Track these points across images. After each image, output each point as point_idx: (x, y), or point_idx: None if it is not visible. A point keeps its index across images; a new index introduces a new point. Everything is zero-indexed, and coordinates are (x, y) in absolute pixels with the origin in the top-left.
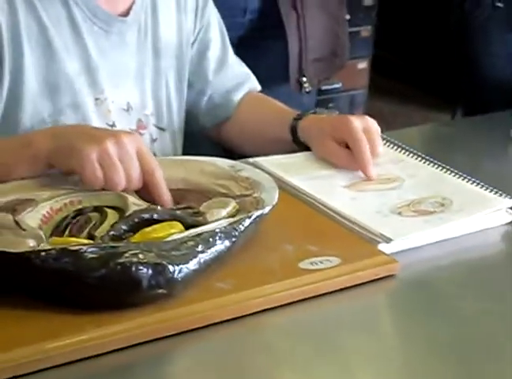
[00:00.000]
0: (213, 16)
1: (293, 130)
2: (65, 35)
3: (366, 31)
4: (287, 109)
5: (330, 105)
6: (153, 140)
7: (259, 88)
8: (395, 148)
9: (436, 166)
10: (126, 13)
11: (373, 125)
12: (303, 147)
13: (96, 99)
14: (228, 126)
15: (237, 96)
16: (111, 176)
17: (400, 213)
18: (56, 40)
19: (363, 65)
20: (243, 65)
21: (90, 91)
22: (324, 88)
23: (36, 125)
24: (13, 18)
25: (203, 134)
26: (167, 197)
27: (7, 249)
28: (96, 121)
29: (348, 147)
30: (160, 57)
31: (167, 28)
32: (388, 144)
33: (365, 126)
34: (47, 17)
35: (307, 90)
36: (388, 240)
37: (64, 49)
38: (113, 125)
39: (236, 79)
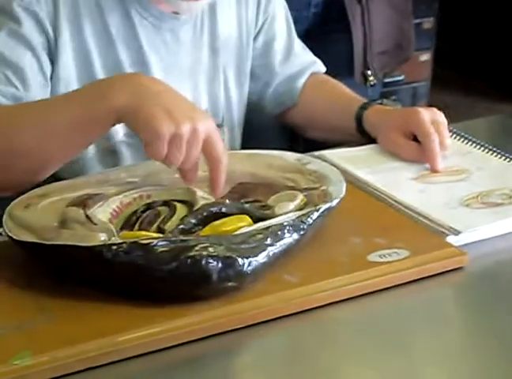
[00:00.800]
0: (279, 6)
1: (358, 119)
2: (118, 24)
3: (428, 22)
4: (353, 95)
5: (393, 97)
6: None
7: (324, 69)
8: (462, 139)
9: (504, 157)
10: None
11: (440, 117)
12: (366, 136)
13: None
14: (294, 111)
15: (301, 82)
16: (172, 157)
17: (468, 205)
18: (111, 27)
19: (425, 57)
20: (309, 52)
21: None
22: (386, 80)
23: None
24: None
25: (267, 122)
26: (220, 188)
27: (79, 243)
28: None
29: (414, 139)
30: (218, 53)
31: (226, 24)
32: (455, 135)
33: (433, 118)
34: (104, 2)
35: (372, 83)
36: (456, 232)
37: (117, 37)
38: None
39: (300, 66)
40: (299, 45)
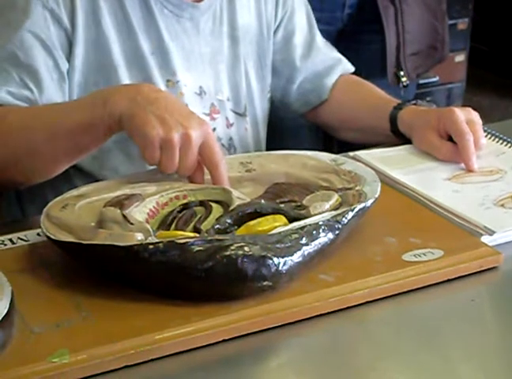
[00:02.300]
0: (299, 2)
1: (392, 119)
2: (138, 13)
3: (463, 23)
4: (386, 96)
5: (428, 98)
6: (230, 125)
7: (352, 69)
8: (496, 140)
9: None
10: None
11: (475, 116)
12: (400, 137)
13: (168, 80)
14: (324, 110)
15: (329, 81)
16: (165, 162)
17: (502, 205)
18: (131, 16)
19: (460, 58)
20: (334, 49)
21: (162, 72)
22: (421, 81)
23: None
24: None
25: (300, 124)
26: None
27: (116, 243)
28: None
29: (449, 139)
30: (238, 43)
31: (245, 16)
32: (489, 136)
33: (468, 118)
34: None
35: (405, 84)
36: (491, 232)
37: (138, 26)
38: None
39: (326, 63)
40: (321, 41)
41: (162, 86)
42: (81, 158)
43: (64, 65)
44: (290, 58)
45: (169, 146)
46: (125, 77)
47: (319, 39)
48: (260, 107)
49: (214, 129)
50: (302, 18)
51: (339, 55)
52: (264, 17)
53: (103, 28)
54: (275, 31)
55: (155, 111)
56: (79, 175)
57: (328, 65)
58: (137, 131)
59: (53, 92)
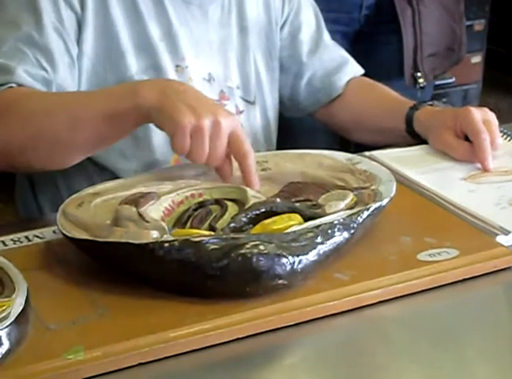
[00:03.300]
0: (305, 1)
1: (408, 120)
2: (147, 1)
3: (479, 25)
4: (401, 98)
5: (444, 100)
6: (239, 112)
7: (362, 71)
8: None
9: None
10: None
11: (492, 117)
12: (416, 137)
13: (177, 66)
14: (338, 111)
15: (339, 79)
16: (195, 151)
17: None
18: (140, 2)
19: (476, 59)
20: (341, 48)
21: (171, 57)
22: (437, 82)
23: (125, 80)
24: None
25: (317, 126)
26: (254, 181)
27: (132, 241)
28: None
29: (466, 139)
30: (247, 34)
31: (254, 7)
32: (505, 136)
33: (484, 118)
34: None
35: (422, 85)
36: (506, 232)
37: (147, 12)
38: None
39: (334, 61)
40: (329, 40)
41: (171, 71)
42: (101, 149)
43: (74, 50)
44: (297, 54)
45: (199, 133)
46: (133, 63)
47: (327, 37)
48: (270, 97)
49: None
50: (309, 15)
51: (347, 55)
52: (273, 11)
53: (111, 14)
54: (282, 27)
55: (185, 100)
56: (87, 161)
57: (337, 63)
58: (167, 119)
59: (65, 76)
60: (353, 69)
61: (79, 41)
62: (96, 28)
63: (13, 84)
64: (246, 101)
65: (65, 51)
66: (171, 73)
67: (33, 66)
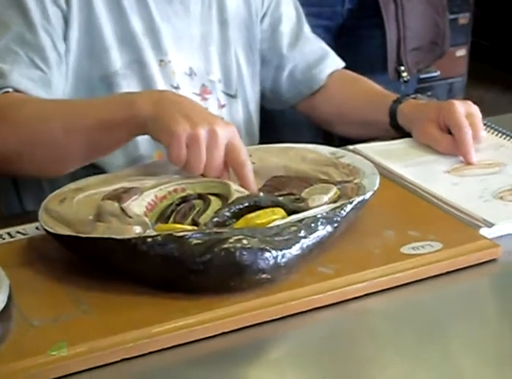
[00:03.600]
0: None
1: (392, 113)
2: None
3: (464, 18)
4: (384, 91)
5: (429, 93)
6: (221, 106)
7: (343, 64)
8: (496, 133)
9: None
10: None
11: (475, 110)
12: (399, 130)
13: (161, 60)
14: (320, 104)
15: (320, 72)
16: (193, 161)
17: (501, 198)
18: (124, 0)
19: (461, 52)
20: (321, 41)
21: (154, 53)
22: (422, 76)
23: (110, 75)
24: None
25: (300, 119)
26: (253, 189)
27: (114, 236)
28: (160, 82)
29: (449, 132)
30: (228, 28)
31: (234, 0)
32: (489, 129)
33: (468, 111)
34: None
35: (405, 79)
36: (490, 224)
37: (129, 7)
38: (177, 88)
39: (315, 54)
40: (309, 32)
41: (155, 66)
42: (96, 158)
43: (61, 47)
44: (277, 46)
45: (195, 142)
46: (117, 58)
47: (307, 30)
48: (251, 91)
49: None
50: (289, 8)
51: (328, 48)
52: (253, 4)
53: (95, 9)
54: (262, 19)
55: (180, 111)
56: None
57: (318, 55)
58: (163, 129)
59: (56, 73)
60: (335, 61)
61: (65, 38)
62: (80, 24)
63: (9, 89)
64: (228, 95)
65: (54, 49)
66: (155, 68)
67: (27, 67)
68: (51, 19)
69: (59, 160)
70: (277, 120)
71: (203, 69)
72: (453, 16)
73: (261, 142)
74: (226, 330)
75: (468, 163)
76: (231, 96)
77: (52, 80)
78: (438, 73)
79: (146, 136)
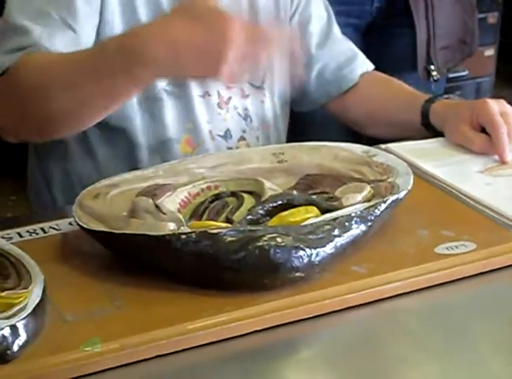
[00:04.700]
0: None
1: (425, 112)
2: None
3: (493, 17)
4: (416, 92)
5: (457, 93)
6: (245, 96)
7: (372, 66)
8: None
9: None
10: None
11: (509, 109)
12: (431, 130)
13: None
14: (352, 104)
15: (350, 72)
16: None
17: None
18: None
19: (489, 52)
20: (350, 42)
21: None
22: (450, 75)
23: None
24: None
25: (330, 120)
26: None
27: (148, 233)
28: None
29: (483, 132)
30: (257, 22)
31: None
32: None
33: (502, 110)
34: None
35: (435, 78)
36: None
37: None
38: None
39: (345, 55)
40: (339, 33)
41: None
42: (110, 108)
43: (96, 17)
44: (305, 45)
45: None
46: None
47: (337, 30)
48: (279, 86)
49: (230, 98)
50: (319, 8)
51: (357, 50)
52: (281, 2)
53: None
54: (291, 17)
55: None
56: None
57: (347, 56)
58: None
59: (86, 26)
60: (364, 63)
61: (102, 10)
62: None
63: (34, 49)
64: (253, 85)
65: (89, 16)
66: None
67: (59, 28)
68: None
69: (79, 104)
70: (306, 119)
71: None
72: (482, 15)
73: (290, 141)
74: (259, 328)
75: (502, 162)
76: (255, 87)
77: (82, 39)
78: (466, 72)
79: (176, 118)
